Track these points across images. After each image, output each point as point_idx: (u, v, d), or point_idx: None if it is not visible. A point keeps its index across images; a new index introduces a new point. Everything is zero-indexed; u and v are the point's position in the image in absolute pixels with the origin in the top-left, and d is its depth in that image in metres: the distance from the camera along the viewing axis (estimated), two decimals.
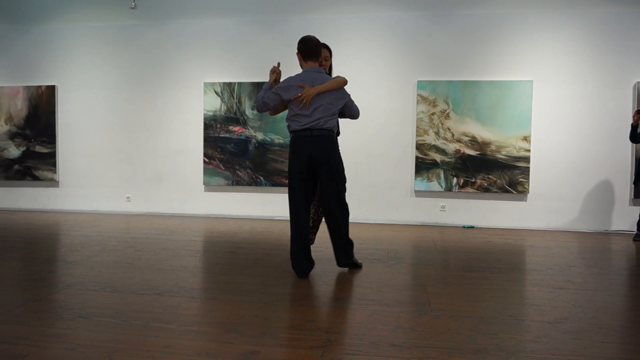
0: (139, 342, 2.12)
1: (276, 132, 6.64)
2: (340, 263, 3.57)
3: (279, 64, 3.60)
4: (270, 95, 3.41)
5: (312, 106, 3.32)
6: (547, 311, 2.67)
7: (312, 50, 3.40)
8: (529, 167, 6.15)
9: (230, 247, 4.54)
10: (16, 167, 7.41)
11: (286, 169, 6.56)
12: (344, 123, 6.39)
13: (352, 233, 5.46)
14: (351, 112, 3.59)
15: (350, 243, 3.58)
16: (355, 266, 3.66)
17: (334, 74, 4.06)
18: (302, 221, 3.36)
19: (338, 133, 3.64)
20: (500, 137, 6.17)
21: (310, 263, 3.44)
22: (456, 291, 3.07)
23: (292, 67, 6.68)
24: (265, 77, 6.64)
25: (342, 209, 3.47)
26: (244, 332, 2.27)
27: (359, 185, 6.52)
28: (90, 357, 1.96)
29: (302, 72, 3.44)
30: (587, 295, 3.04)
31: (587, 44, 6.09)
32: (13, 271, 3.48)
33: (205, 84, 6.83)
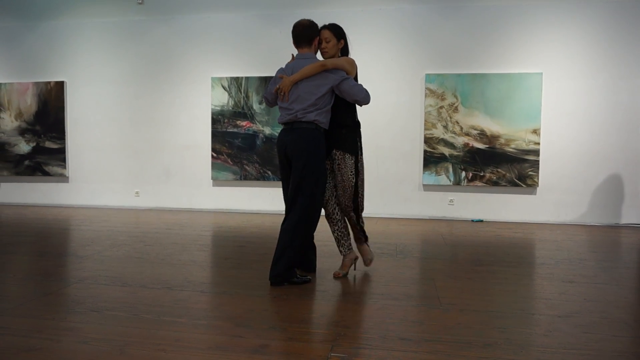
0: (150, 336, 2.14)
1: None
2: (270, 276, 3.03)
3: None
4: (267, 89, 3.24)
5: (290, 98, 3.04)
6: (558, 305, 2.66)
7: (297, 35, 3.09)
8: (538, 161, 6.10)
9: (239, 242, 4.56)
10: (26, 162, 7.48)
11: None
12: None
13: None
14: (351, 96, 3.07)
15: (292, 256, 2.99)
16: (290, 282, 3.05)
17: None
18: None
19: (356, 124, 3.21)
20: (509, 130, 6.12)
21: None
22: (465, 285, 3.07)
23: None
24: (271, 71, 6.64)
25: (301, 216, 2.98)
26: (253, 326, 2.28)
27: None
28: (103, 350, 1.98)
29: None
30: (597, 288, 3.02)
31: (597, 35, 6.00)
32: (25, 265, 3.52)
33: (213, 79, 6.84)
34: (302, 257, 3.20)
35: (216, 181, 6.97)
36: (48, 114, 7.37)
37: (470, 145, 6.22)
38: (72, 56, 7.33)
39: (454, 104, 6.24)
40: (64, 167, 7.38)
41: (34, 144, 7.44)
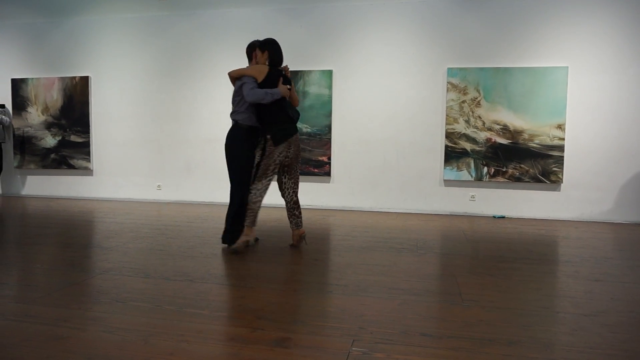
0: (173, 327, 2.17)
1: (304, 120, 6.63)
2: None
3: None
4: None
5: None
6: (583, 304, 2.61)
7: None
8: (563, 156, 5.97)
9: (259, 235, 4.58)
10: (52, 156, 7.65)
11: (314, 158, 6.58)
12: (371, 112, 6.35)
13: (380, 222, 5.46)
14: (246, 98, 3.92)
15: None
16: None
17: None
18: None
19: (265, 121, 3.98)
20: (533, 125, 6.00)
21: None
22: (487, 282, 3.03)
23: (320, 55, 6.64)
24: (292, 65, 6.63)
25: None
26: (275, 319, 2.29)
27: (387, 174, 6.47)
28: (127, 339, 2.02)
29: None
30: (624, 287, 2.95)
31: (625, 28, 5.83)
32: (52, 256, 3.60)
33: None
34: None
35: None
36: (73, 108, 7.52)
37: (493, 140, 6.13)
38: (97, 52, 7.45)
39: (476, 98, 6.15)
40: (89, 160, 7.52)
41: (60, 137, 7.60)
